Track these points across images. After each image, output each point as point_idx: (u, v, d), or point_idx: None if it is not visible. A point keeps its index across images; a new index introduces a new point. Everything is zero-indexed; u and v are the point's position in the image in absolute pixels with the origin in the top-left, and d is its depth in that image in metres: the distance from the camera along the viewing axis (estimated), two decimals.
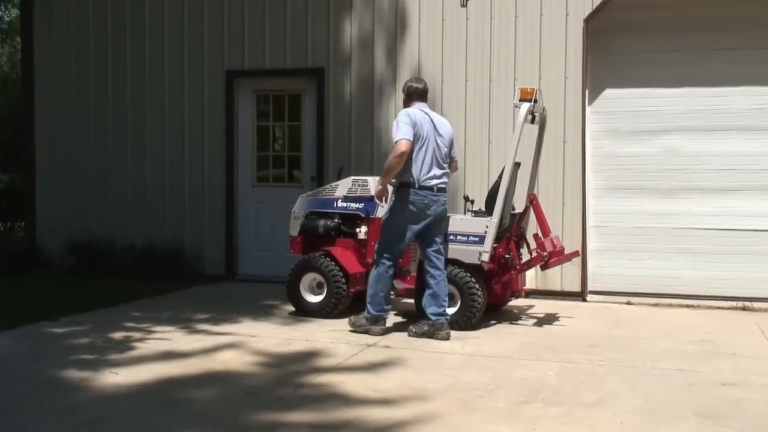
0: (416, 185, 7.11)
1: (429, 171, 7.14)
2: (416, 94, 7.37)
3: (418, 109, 7.22)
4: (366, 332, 7.28)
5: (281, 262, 9.38)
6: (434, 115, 7.38)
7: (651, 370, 6.15)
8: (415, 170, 7.09)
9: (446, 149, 7.34)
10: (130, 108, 10.91)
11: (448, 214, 7.54)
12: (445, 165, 7.35)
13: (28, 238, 11.34)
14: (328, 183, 8.89)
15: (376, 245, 7.44)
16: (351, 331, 7.36)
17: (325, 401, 5.28)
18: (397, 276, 8.22)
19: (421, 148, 7.09)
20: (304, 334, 7.27)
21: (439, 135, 7.27)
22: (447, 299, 7.28)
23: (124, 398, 5.34)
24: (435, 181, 7.19)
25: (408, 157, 7.03)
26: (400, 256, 7.49)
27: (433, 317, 7.18)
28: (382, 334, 7.26)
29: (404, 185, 7.15)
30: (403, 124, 7.02)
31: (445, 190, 7.33)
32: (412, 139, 6.99)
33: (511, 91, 8.87)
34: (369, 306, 7.36)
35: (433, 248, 7.31)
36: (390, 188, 7.36)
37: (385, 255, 7.27)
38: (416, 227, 7.19)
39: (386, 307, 7.39)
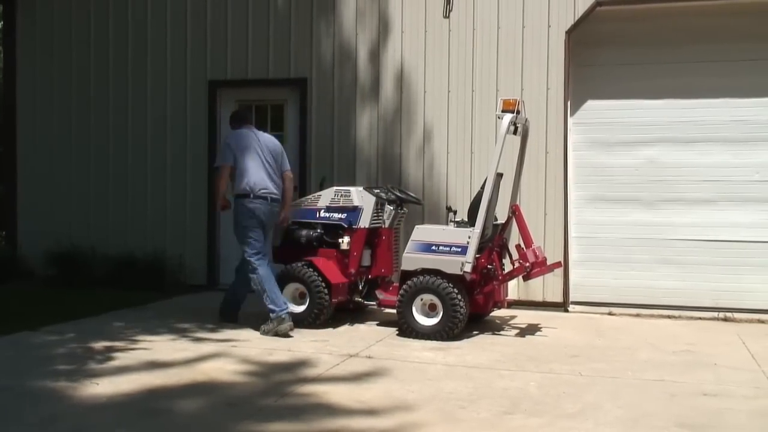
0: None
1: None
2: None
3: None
4: (276, 333, 7.50)
5: None
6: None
7: (632, 381, 6.17)
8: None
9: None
10: (112, 117, 10.87)
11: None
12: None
13: (8, 248, 11.25)
14: (311, 193, 8.88)
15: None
16: (262, 334, 7.60)
17: (307, 411, 5.26)
18: (380, 287, 8.26)
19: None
20: (286, 344, 7.25)
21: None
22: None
23: (106, 409, 5.31)
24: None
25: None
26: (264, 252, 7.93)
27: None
28: (291, 329, 7.53)
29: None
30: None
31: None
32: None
33: (494, 101, 8.92)
34: (272, 307, 7.59)
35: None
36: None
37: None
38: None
39: (285, 304, 7.67)
